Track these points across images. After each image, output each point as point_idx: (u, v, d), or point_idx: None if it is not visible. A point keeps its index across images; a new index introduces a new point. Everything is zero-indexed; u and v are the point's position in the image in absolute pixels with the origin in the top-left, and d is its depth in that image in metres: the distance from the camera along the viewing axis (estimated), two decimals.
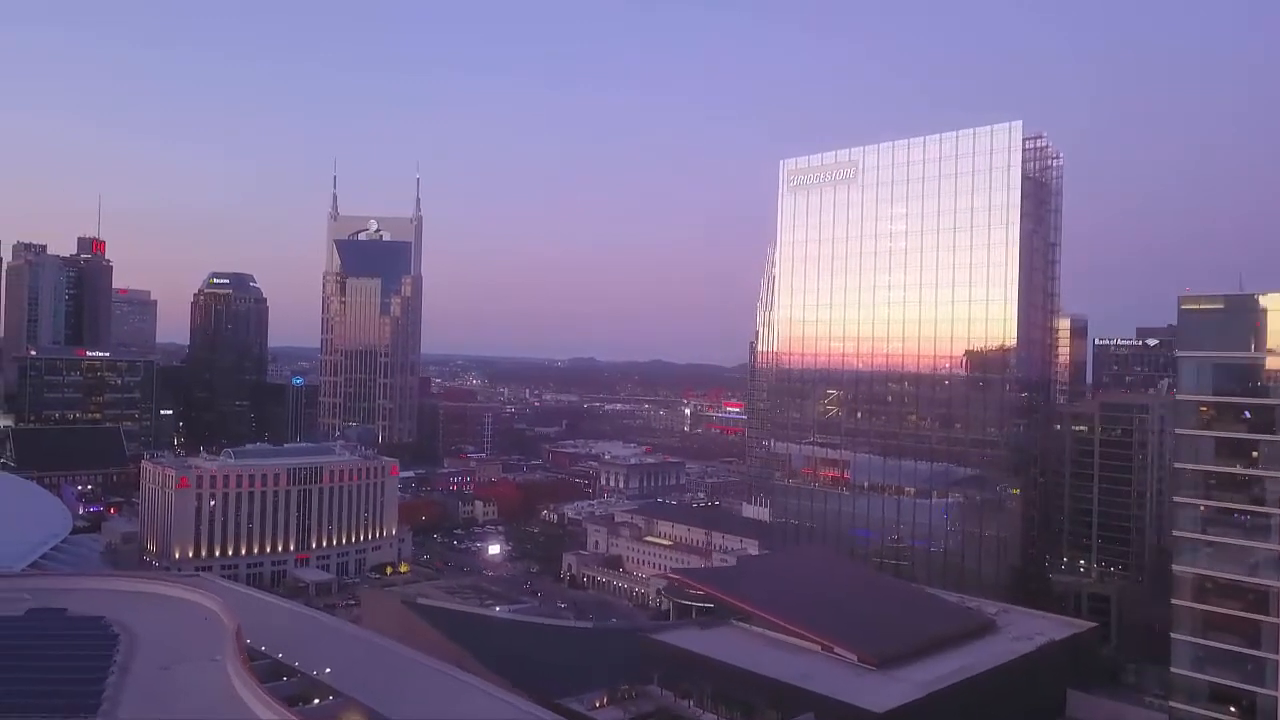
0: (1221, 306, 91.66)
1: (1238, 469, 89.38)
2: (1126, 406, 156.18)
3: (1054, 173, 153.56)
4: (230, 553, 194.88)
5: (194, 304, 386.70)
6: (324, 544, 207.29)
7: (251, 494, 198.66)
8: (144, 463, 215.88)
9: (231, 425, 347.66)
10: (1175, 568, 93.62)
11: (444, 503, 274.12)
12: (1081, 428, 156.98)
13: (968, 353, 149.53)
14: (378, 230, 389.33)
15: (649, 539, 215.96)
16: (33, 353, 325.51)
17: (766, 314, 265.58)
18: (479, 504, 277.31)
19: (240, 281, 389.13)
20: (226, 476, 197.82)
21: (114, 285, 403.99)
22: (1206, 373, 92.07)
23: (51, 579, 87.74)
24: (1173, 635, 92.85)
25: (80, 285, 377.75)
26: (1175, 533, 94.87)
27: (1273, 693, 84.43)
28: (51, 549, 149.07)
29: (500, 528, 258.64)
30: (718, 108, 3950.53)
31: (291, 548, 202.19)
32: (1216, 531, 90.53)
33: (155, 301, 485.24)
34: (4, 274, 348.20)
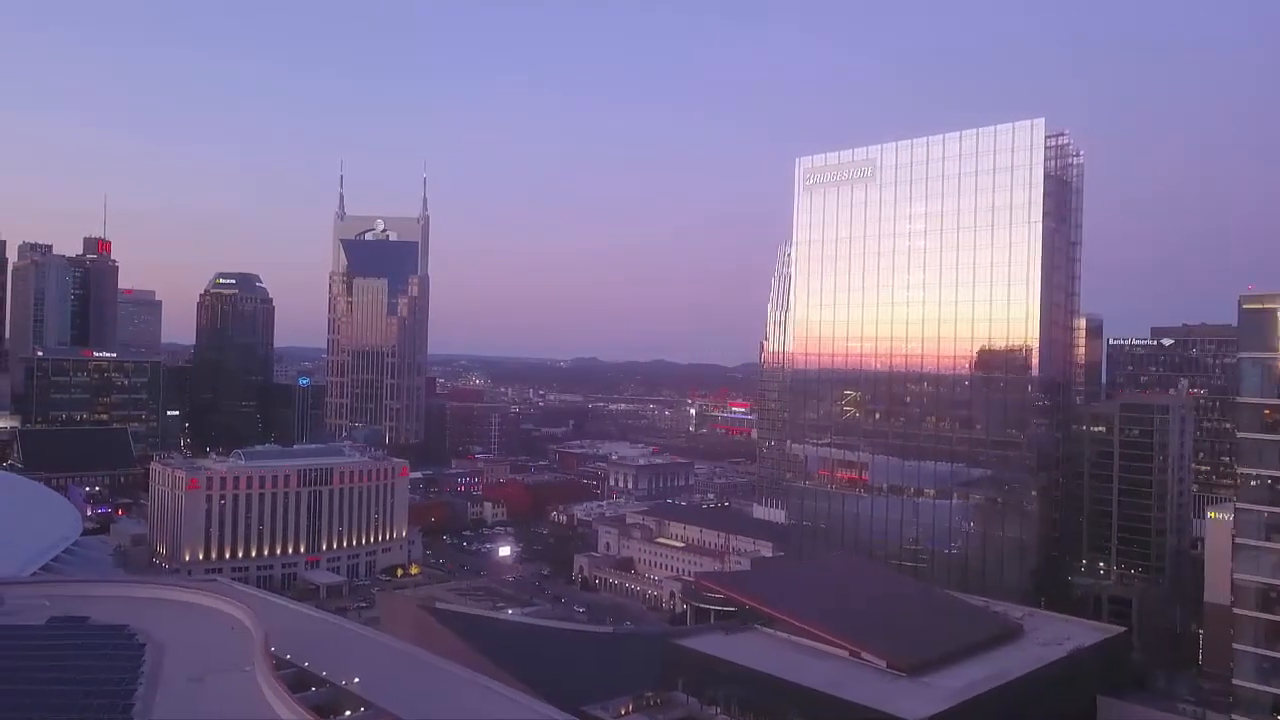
0: None
1: None
2: (1147, 407, 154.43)
3: (1074, 171, 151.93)
4: (240, 555, 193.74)
5: (200, 304, 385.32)
6: (334, 546, 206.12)
7: (262, 495, 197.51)
8: (153, 464, 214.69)
9: (238, 426, 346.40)
10: (1237, 576, 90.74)
11: (453, 504, 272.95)
12: (1100, 428, 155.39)
13: (989, 353, 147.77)
14: (384, 230, 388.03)
15: (661, 540, 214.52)
16: (40, 353, 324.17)
17: (777, 314, 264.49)
18: (488, 505, 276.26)
19: (246, 282, 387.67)
20: (237, 478, 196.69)
21: (119, 285, 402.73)
22: (1272, 374, 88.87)
23: (70, 585, 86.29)
24: (1235, 646, 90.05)
25: (86, 286, 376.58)
26: (1237, 540, 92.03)
27: None
28: (62, 551, 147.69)
29: (510, 529, 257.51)
30: (717, 109, 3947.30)
31: (302, 550, 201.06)
32: None
33: (160, 302, 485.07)
34: (10, 274, 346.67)
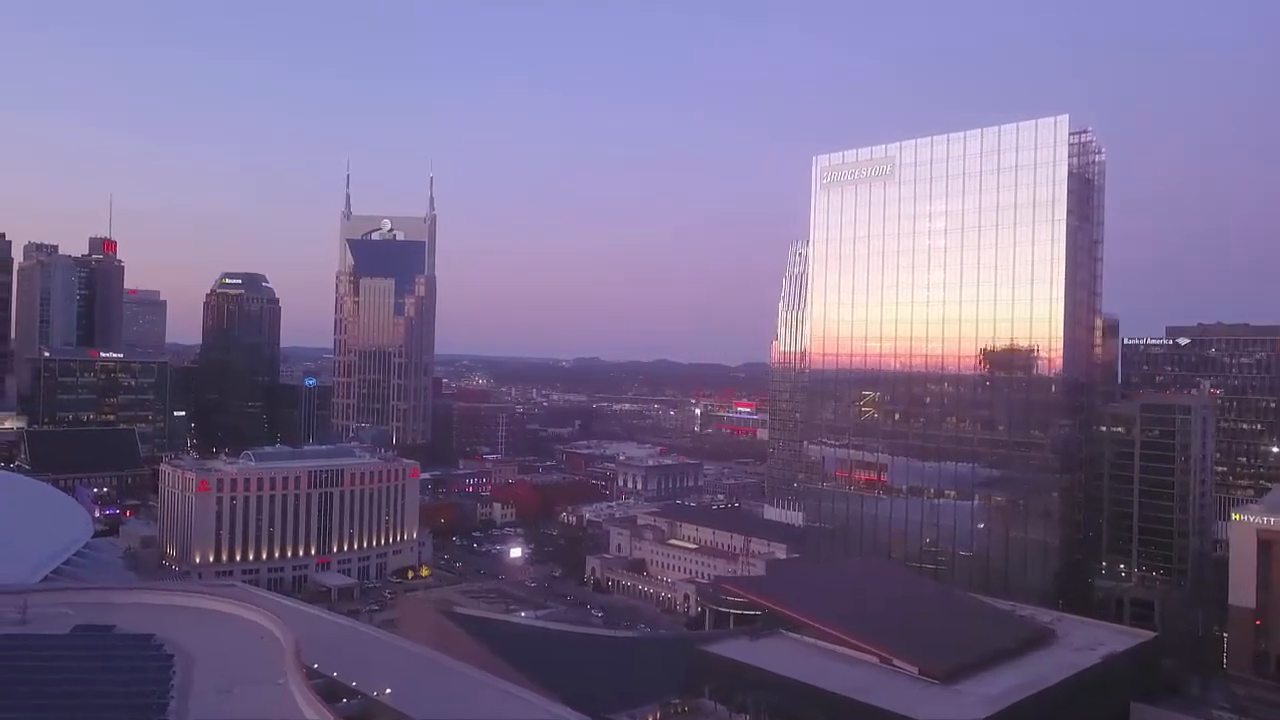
0: None
1: None
2: (1169, 408, 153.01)
3: (1096, 168, 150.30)
4: (251, 557, 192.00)
5: (206, 304, 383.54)
6: (345, 548, 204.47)
7: (272, 497, 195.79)
8: (163, 465, 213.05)
9: (244, 427, 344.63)
10: None
11: (462, 505, 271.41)
12: (1119, 429, 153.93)
13: (1011, 353, 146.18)
14: (391, 230, 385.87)
15: (673, 542, 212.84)
16: (46, 354, 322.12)
17: (789, 314, 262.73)
18: (497, 506, 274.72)
19: (253, 282, 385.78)
20: (247, 479, 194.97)
21: (125, 286, 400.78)
22: None
23: (91, 593, 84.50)
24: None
25: (92, 286, 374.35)
26: None
27: None
28: (74, 554, 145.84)
29: (519, 530, 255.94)
30: (717, 109, 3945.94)
31: (313, 552, 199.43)
32: None
33: (164, 302, 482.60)
34: (16, 275, 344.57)
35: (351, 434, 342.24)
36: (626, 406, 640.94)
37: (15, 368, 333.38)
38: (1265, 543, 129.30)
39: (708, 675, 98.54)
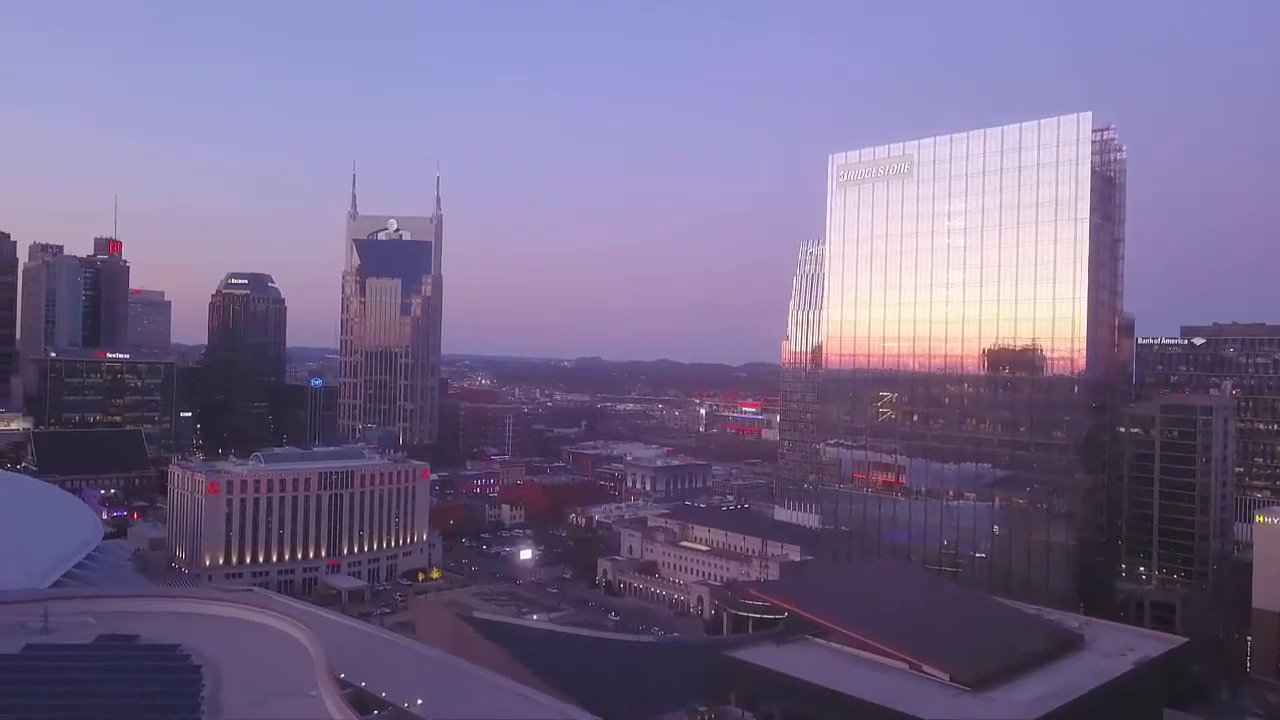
0: None
1: None
2: (1189, 408, 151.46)
3: (1118, 167, 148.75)
4: (260, 559, 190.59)
5: (212, 305, 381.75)
6: (355, 550, 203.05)
7: (282, 499, 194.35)
8: (172, 467, 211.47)
9: (250, 427, 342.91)
10: None
11: (471, 506, 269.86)
12: (1138, 430, 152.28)
13: (1033, 353, 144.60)
14: (398, 230, 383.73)
15: (685, 544, 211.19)
16: (52, 354, 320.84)
17: (801, 313, 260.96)
18: (505, 507, 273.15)
19: (259, 282, 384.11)
20: (257, 481, 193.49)
21: (130, 286, 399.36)
22: None
23: (111, 600, 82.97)
24: None
25: (97, 286, 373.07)
26: None
27: None
28: (84, 558, 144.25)
29: (528, 532, 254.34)
30: (717, 109, 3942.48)
31: (322, 554, 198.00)
32: None
33: (169, 302, 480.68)
34: (21, 275, 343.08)
35: (358, 434, 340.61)
36: (630, 407, 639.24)
37: (21, 368, 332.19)
38: None
39: (733, 681, 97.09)
